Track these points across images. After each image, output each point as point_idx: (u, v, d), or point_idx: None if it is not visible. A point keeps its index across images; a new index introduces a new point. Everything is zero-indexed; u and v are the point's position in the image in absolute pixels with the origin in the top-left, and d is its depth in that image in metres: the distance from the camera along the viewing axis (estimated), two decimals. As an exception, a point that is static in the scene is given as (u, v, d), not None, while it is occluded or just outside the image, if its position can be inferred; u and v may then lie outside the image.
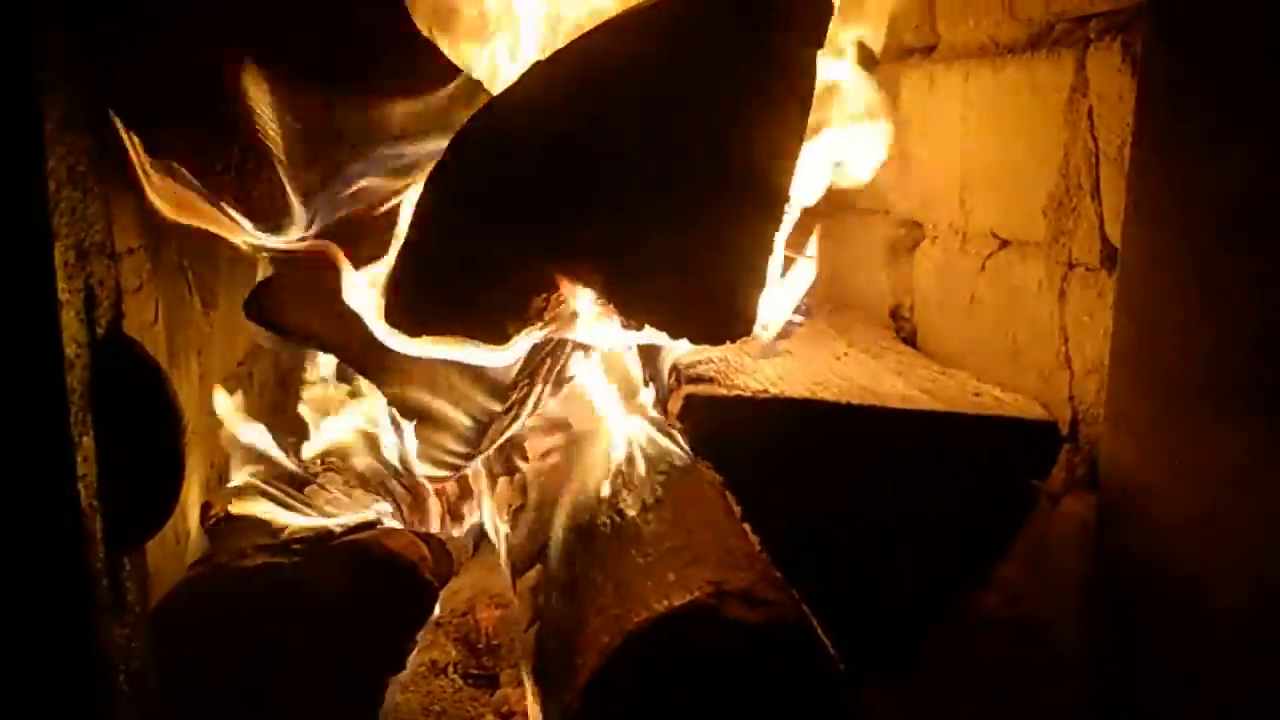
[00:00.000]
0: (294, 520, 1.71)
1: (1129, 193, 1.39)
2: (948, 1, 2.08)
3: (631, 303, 1.34)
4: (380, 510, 1.85)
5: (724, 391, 1.51)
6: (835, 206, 2.13)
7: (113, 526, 1.19)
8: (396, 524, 1.83)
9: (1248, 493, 1.21)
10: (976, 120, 1.95)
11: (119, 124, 1.38)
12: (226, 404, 1.87)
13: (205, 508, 1.85)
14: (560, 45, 1.38)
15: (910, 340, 2.21)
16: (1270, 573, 1.18)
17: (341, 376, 2.05)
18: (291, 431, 2.04)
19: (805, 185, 1.79)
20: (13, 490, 1.01)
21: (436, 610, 1.66)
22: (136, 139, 1.41)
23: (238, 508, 1.76)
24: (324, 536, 1.62)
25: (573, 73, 1.32)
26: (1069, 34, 1.68)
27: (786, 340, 1.86)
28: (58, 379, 1.09)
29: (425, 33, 1.52)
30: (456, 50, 1.56)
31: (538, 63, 1.37)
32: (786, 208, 1.32)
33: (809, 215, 1.86)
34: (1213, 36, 1.26)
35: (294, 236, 1.54)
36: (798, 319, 1.91)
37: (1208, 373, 1.27)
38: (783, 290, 1.74)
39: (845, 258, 2.39)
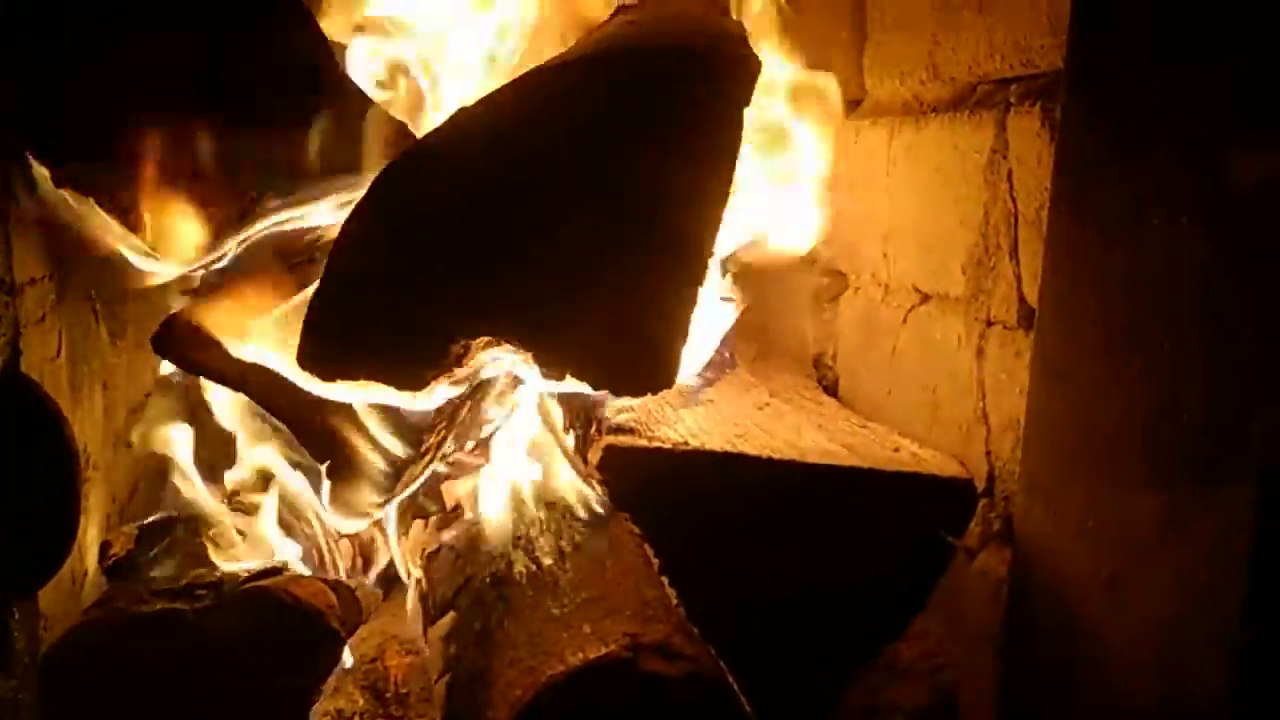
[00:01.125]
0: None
1: (1046, 257, 1.41)
2: (875, 58, 2.12)
3: (552, 354, 1.32)
4: (289, 551, 1.80)
5: (644, 443, 1.50)
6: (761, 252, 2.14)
7: (1, 574, 1.14)
8: (304, 569, 1.78)
9: (1150, 561, 1.23)
10: (900, 175, 1.98)
11: (29, 156, 1.33)
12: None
13: (104, 547, 1.78)
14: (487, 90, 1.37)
15: (832, 389, 2.22)
16: (1171, 640, 1.20)
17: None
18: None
19: (732, 235, 1.80)
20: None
21: (345, 658, 1.62)
22: (45, 170, 1.36)
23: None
24: (228, 582, 1.57)
25: (498, 121, 1.31)
26: (990, 96, 1.71)
27: (709, 388, 1.85)
28: (-55, 421, 1.05)
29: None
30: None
31: (463, 108, 1.35)
32: (709, 263, 1.32)
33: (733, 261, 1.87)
34: (1128, 111, 1.29)
35: (199, 270, 1.50)
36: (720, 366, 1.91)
37: (1114, 440, 1.29)
38: (704, 341, 1.74)
39: (770, 303, 2.40)
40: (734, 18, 1.77)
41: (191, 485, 1.85)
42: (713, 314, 1.78)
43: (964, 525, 1.58)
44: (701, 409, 1.72)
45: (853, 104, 2.22)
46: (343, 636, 1.54)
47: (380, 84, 1.87)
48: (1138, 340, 1.26)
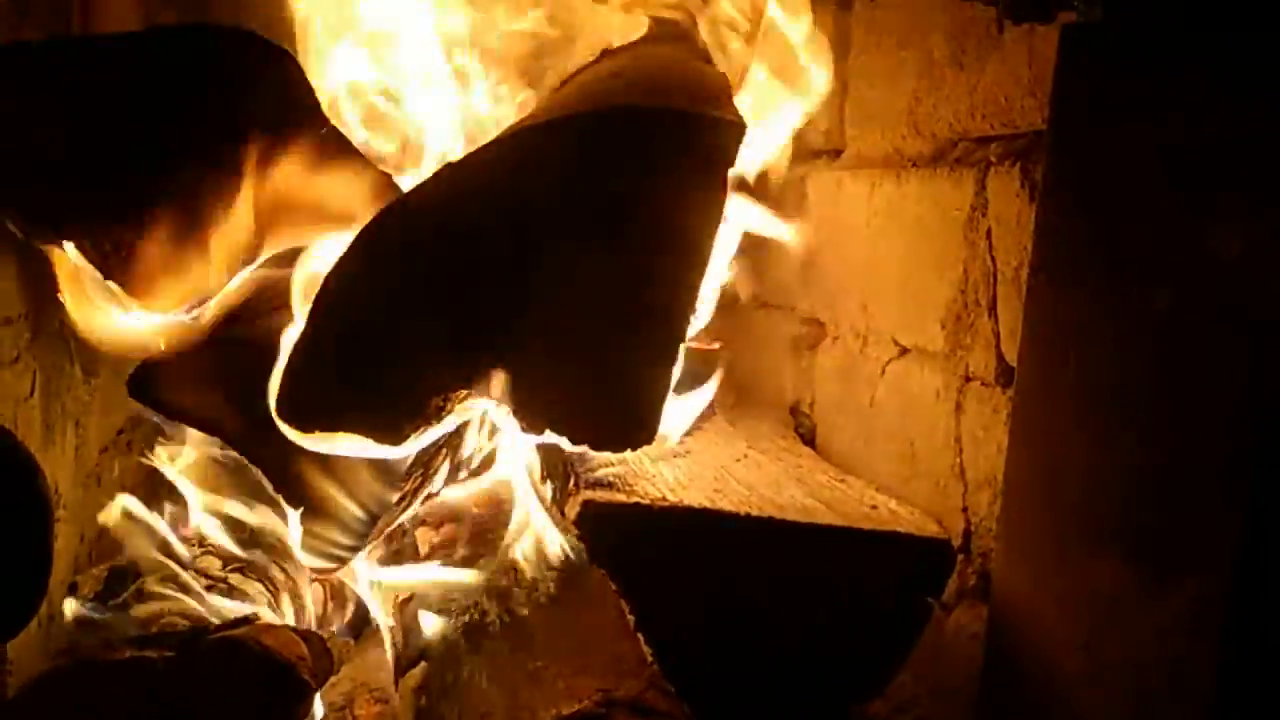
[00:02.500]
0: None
1: (1025, 318, 1.42)
2: (856, 109, 2.13)
3: (532, 409, 1.32)
4: (259, 597, 1.79)
5: (623, 498, 1.50)
6: (741, 299, 2.15)
7: (-33, 629, 1.12)
8: (274, 615, 1.76)
9: (1124, 627, 1.23)
10: (880, 228, 1.99)
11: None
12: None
13: (72, 588, 1.76)
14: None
15: (810, 437, 2.23)
16: (1146, 709, 1.20)
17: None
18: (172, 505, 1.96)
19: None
20: None
21: (316, 709, 1.60)
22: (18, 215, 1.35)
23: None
24: (198, 630, 1.55)
25: (482, 178, 1.31)
26: (970, 154, 1.72)
27: (687, 438, 1.85)
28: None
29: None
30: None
31: (448, 164, 1.35)
32: (691, 319, 1.32)
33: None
34: (1108, 177, 1.31)
35: (181, 316, 1.49)
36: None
37: (1090, 503, 1.29)
38: (686, 397, 1.74)
39: (749, 350, 2.40)
40: (715, 67, 1.78)
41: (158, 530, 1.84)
42: (695, 375, 1.78)
43: (942, 585, 1.58)
44: (680, 461, 1.72)
45: (834, 154, 2.23)
46: (313, 687, 1.53)
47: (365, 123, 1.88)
48: (1116, 406, 1.27)
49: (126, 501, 1.83)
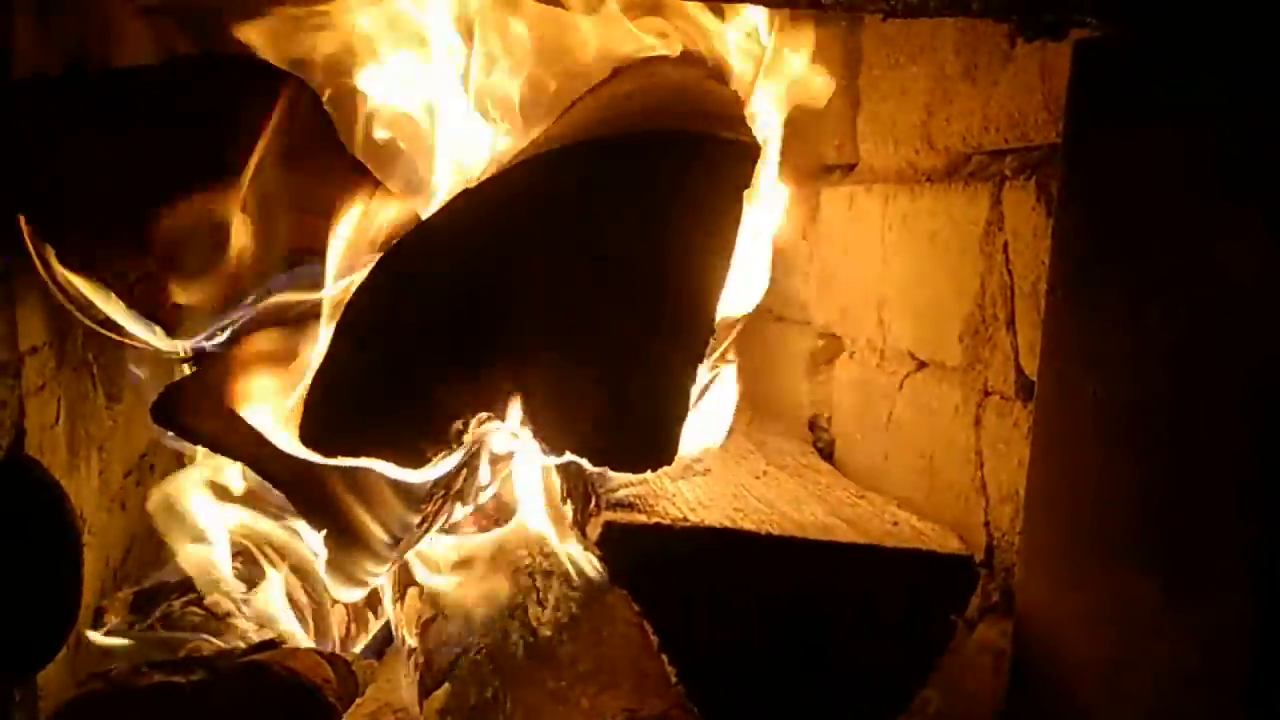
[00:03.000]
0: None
1: (1044, 336, 1.42)
2: (869, 124, 2.14)
3: (552, 431, 1.33)
4: (286, 621, 1.79)
5: (644, 519, 1.50)
6: (757, 314, 2.15)
7: (4, 657, 1.13)
8: (301, 637, 1.77)
9: (1149, 644, 1.23)
10: (895, 242, 1.99)
11: (28, 233, 1.34)
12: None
13: (98, 613, 1.77)
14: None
15: (828, 452, 2.23)
16: (1171, 723, 1.20)
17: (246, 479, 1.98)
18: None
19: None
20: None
21: (340, 730, 1.60)
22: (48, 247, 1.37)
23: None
24: (225, 654, 1.56)
25: (499, 204, 1.32)
26: (985, 168, 1.73)
27: (706, 456, 1.85)
28: (-50, 509, 1.04)
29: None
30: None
31: (464, 191, 1.36)
32: (708, 341, 1.33)
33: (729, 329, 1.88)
34: (1124, 193, 1.31)
35: (200, 345, 1.50)
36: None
37: (1113, 519, 1.29)
38: (705, 417, 1.75)
39: (765, 365, 2.41)
40: (728, 86, 1.79)
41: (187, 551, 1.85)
42: (712, 394, 1.79)
43: (965, 601, 1.58)
44: (700, 480, 1.73)
45: (847, 168, 2.24)
46: (339, 712, 1.53)
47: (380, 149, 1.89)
48: (1137, 421, 1.27)
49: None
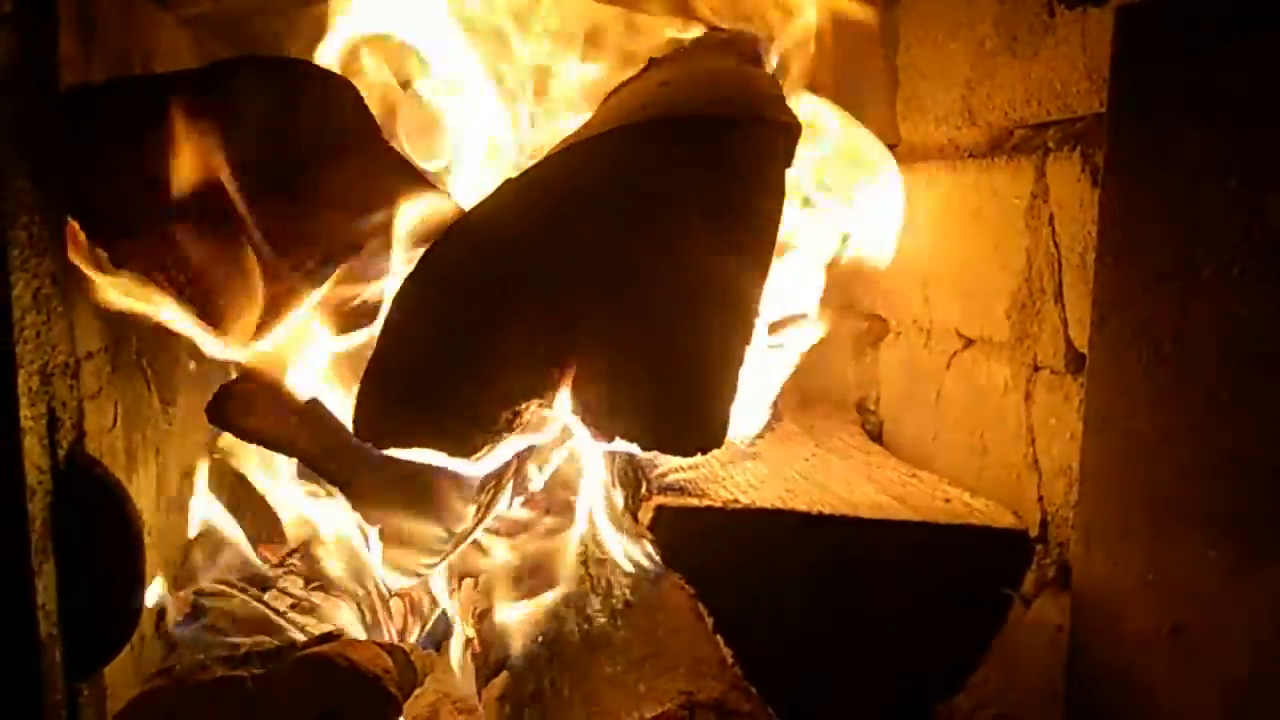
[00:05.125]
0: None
1: (1094, 307, 1.40)
2: (909, 102, 2.13)
3: (601, 417, 1.33)
4: (345, 614, 1.82)
5: (695, 502, 1.51)
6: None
7: (72, 654, 1.15)
8: (359, 630, 1.79)
9: (1215, 614, 1.21)
10: (938, 220, 1.98)
11: (82, 236, 1.36)
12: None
13: (160, 613, 1.80)
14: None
15: (876, 434, 2.22)
16: (1240, 698, 1.18)
17: (302, 474, 2.01)
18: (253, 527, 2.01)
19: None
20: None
21: (401, 721, 1.62)
22: (100, 251, 1.40)
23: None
24: (285, 648, 1.58)
25: (544, 190, 1.33)
26: (1028, 141, 1.71)
27: (755, 440, 1.85)
28: (19, 507, 1.06)
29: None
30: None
31: (508, 180, 1.37)
32: (756, 322, 1.33)
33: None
34: (1170, 158, 1.29)
35: (257, 346, 1.52)
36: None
37: (1174, 489, 1.27)
38: (755, 398, 1.75)
39: (811, 348, 2.40)
40: (764, 70, 1.79)
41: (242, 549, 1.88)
42: (762, 368, 1.79)
43: (1020, 576, 1.57)
44: (749, 463, 1.73)
45: (889, 147, 2.22)
46: (400, 701, 1.55)
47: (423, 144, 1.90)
48: (1193, 390, 1.25)
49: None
